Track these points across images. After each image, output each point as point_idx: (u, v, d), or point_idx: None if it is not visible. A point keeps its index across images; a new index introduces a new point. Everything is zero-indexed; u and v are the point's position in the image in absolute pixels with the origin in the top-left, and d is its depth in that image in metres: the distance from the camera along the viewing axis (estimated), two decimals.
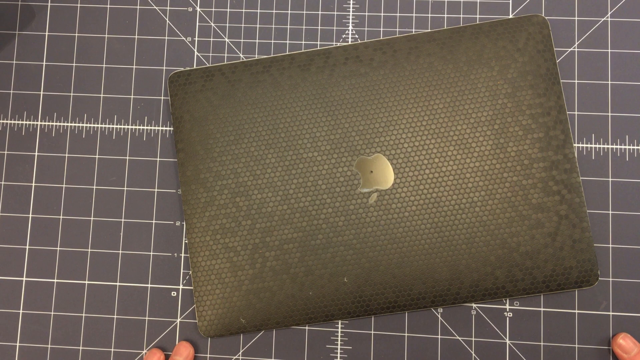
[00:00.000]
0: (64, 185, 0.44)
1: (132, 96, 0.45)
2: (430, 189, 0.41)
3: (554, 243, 0.40)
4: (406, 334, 0.42)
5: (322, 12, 0.45)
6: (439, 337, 0.41)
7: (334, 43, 0.45)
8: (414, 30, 0.44)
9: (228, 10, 0.45)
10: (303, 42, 0.45)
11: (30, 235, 0.44)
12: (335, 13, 0.45)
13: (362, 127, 0.42)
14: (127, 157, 0.44)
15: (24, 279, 0.44)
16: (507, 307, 0.41)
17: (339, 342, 0.42)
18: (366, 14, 0.45)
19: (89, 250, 0.43)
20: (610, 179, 0.42)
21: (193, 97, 0.43)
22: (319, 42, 0.45)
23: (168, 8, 0.46)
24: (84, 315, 0.43)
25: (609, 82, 0.43)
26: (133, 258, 0.43)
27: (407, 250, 0.41)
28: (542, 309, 0.41)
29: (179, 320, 0.43)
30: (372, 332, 0.42)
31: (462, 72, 0.42)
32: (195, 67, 0.45)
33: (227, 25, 0.45)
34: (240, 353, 0.42)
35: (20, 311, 0.43)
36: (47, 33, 0.46)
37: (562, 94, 0.41)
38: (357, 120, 0.42)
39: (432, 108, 0.42)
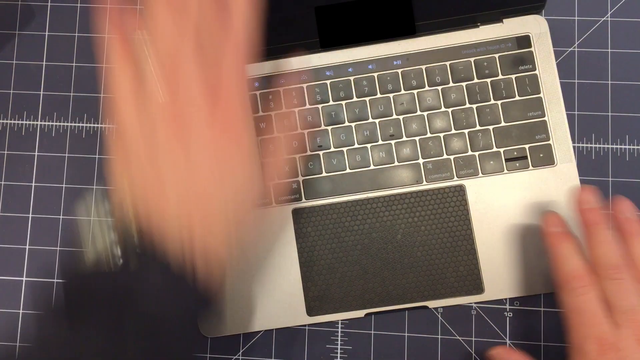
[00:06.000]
0: (64, 185, 0.44)
1: None
2: None
3: None
4: (406, 334, 0.42)
5: None
6: (439, 337, 0.41)
7: None
8: None
9: None
10: None
11: (30, 235, 0.44)
12: None
13: None
14: None
15: (24, 279, 0.44)
16: (507, 307, 0.41)
17: (339, 342, 0.42)
18: None
19: None
20: (610, 179, 0.42)
21: None
22: None
23: None
24: None
25: (609, 82, 0.43)
26: None
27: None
28: (542, 309, 0.41)
29: None
30: (372, 332, 0.42)
31: None
32: None
33: None
34: (240, 353, 0.42)
35: (20, 311, 0.43)
36: (47, 33, 0.46)
37: (561, 94, 0.42)
38: None
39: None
